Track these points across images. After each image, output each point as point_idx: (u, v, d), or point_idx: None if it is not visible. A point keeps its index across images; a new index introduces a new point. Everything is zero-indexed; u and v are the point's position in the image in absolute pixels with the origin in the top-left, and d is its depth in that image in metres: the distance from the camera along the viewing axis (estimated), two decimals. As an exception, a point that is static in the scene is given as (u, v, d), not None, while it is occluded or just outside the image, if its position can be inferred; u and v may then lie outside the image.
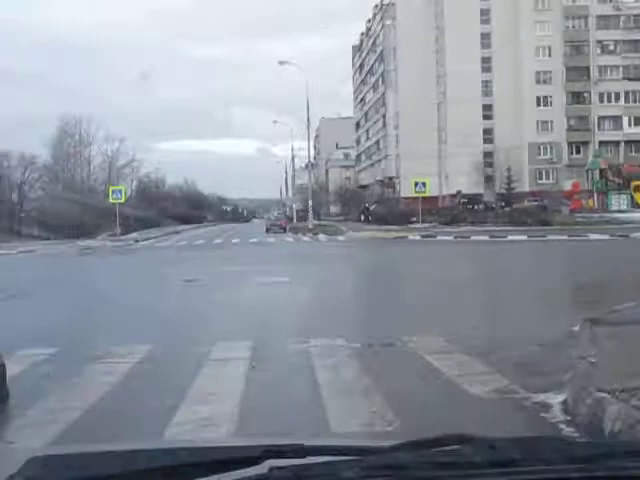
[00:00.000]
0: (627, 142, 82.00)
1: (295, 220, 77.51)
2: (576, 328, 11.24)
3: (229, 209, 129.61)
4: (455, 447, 1.22)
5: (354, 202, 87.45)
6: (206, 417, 6.80)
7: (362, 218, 71.29)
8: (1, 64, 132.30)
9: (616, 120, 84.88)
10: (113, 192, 59.18)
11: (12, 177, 76.56)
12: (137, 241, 52.10)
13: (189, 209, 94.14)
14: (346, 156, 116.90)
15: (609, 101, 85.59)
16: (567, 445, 1.22)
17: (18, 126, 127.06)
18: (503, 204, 72.03)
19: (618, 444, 1.18)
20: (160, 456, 1.30)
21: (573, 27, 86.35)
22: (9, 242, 47.28)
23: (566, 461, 1.15)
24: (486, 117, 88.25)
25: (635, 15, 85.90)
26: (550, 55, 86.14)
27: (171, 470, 1.21)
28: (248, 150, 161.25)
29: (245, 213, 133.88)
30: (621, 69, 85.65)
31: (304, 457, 1.24)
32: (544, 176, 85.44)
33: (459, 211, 65.85)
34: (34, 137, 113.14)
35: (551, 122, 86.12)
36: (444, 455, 1.19)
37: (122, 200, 58.49)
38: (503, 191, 78.83)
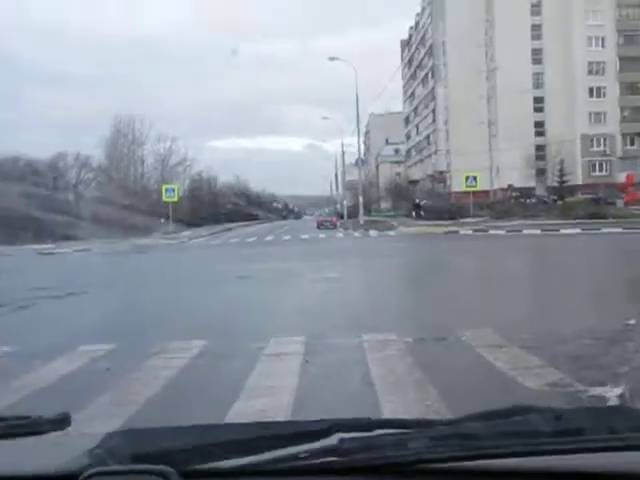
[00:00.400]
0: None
1: (346, 216, 77.24)
2: (632, 321, 11.19)
3: (280, 206, 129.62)
4: (521, 417, 1.25)
5: (405, 197, 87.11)
6: (262, 409, 6.86)
7: (413, 214, 70.89)
8: (55, 67, 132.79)
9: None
10: (166, 190, 59.38)
11: (68, 177, 77.39)
12: (190, 239, 52.15)
13: (241, 207, 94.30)
14: (396, 151, 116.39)
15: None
16: (633, 414, 1.25)
17: (73, 128, 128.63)
18: (556, 197, 71.34)
19: None
20: (230, 430, 1.36)
21: (627, 16, 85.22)
22: (66, 241, 47.69)
23: (632, 429, 1.18)
24: (537, 110, 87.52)
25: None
26: (603, 45, 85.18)
27: (240, 444, 1.24)
28: (298, 147, 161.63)
29: (296, 210, 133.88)
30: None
31: (371, 430, 1.28)
32: (597, 169, 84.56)
33: (511, 205, 65.36)
34: (89, 138, 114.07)
35: (604, 113, 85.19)
36: (511, 425, 1.22)
37: (175, 199, 58.75)
38: (555, 184, 78.12)
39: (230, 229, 65.97)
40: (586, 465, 1.21)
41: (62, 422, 1.40)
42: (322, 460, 1.20)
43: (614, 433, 1.17)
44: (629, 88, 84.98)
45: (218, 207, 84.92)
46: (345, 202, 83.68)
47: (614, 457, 1.21)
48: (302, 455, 1.20)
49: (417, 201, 75.36)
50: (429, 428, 1.27)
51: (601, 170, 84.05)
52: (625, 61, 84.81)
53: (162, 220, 56.70)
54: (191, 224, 62.66)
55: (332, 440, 1.22)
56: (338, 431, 1.26)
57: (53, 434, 1.42)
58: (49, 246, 46.11)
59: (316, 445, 1.22)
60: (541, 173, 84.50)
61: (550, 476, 1.22)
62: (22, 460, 1.65)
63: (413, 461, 1.19)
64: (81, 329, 12.88)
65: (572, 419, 1.23)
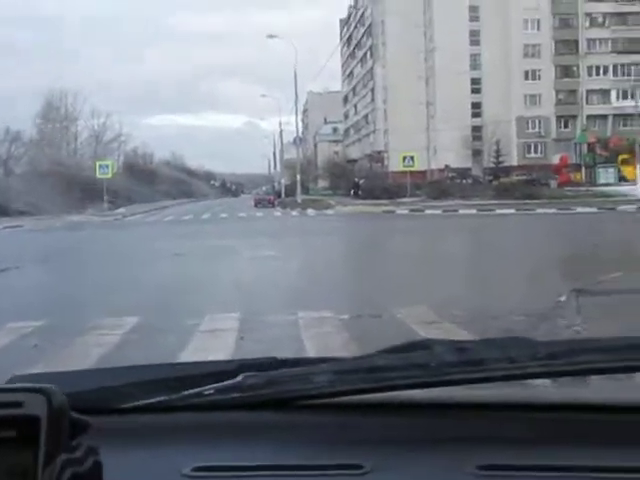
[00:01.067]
0: (615, 116, 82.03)
1: (283, 195, 77.33)
2: (563, 298, 11.37)
3: (217, 184, 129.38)
4: (426, 350, 1.26)
5: (343, 177, 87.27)
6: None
7: (352, 193, 71.23)
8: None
9: (604, 94, 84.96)
10: (100, 167, 59.06)
11: (-2, 152, 76.60)
12: (125, 216, 51.93)
13: (177, 184, 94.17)
14: (334, 130, 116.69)
15: (597, 74, 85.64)
16: (531, 344, 1.26)
17: (2, 101, 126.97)
18: (491, 178, 72.34)
19: (577, 342, 1.22)
20: (142, 371, 1.36)
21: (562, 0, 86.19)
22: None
23: (530, 359, 1.20)
24: (474, 91, 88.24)
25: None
26: (539, 28, 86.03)
27: (151, 383, 1.26)
28: (236, 124, 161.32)
29: (233, 188, 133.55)
30: (610, 42, 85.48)
31: (277, 369, 1.28)
32: (532, 150, 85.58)
33: (447, 185, 65.95)
34: (19, 112, 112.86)
35: (539, 96, 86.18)
36: (417, 357, 1.23)
37: (109, 175, 58.38)
38: (491, 165, 79.25)
39: (166, 207, 65.76)
40: (489, 395, 1.25)
41: None
42: (227, 396, 1.21)
43: (513, 362, 1.19)
44: (564, 71, 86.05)
45: (154, 184, 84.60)
46: (283, 181, 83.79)
47: (514, 385, 1.27)
48: (207, 392, 1.21)
49: (356, 180, 75.68)
50: (335, 363, 1.28)
51: (536, 152, 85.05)
52: (560, 44, 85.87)
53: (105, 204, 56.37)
54: (126, 201, 62.33)
55: (237, 379, 1.23)
56: (244, 371, 1.25)
57: None
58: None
59: (222, 384, 1.23)
60: (477, 154, 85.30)
61: (446, 407, 1.24)
62: None
63: (317, 394, 1.20)
64: (9, 306, 12.72)
65: (474, 350, 1.25)
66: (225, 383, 1.23)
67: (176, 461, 1.07)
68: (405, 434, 1.16)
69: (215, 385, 1.22)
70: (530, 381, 1.29)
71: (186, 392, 1.22)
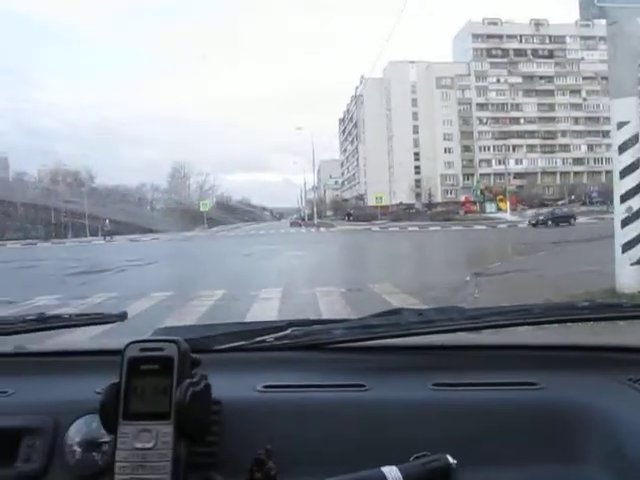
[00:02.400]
0: (495, 174, 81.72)
1: (307, 219, 77.36)
2: (468, 278, 11.37)
3: (268, 213, 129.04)
4: (397, 315, 1.27)
5: (340, 209, 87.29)
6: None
7: (346, 218, 71.20)
8: (141, 131, 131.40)
9: (488, 161, 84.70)
10: (202, 204, 59.45)
11: (146, 197, 77.08)
12: (216, 232, 51.96)
13: (245, 213, 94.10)
14: (336, 182, 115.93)
15: (485, 151, 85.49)
16: (463, 310, 1.26)
17: (149, 168, 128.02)
18: (426, 209, 72.30)
19: (487, 308, 1.23)
20: (226, 326, 1.34)
21: (464, 109, 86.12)
22: (146, 234, 47.26)
23: (464, 318, 1.20)
24: (416, 159, 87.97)
25: (497, 103, 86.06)
26: (451, 125, 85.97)
27: (231, 334, 1.24)
28: (279, 179, 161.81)
29: (277, 216, 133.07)
30: (490, 133, 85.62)
31: (311, 326, 1.28)
32: (449, 193, 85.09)
33: (401, 213, 66.09)
34: (158, 174, 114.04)
35: (453, 162, 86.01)
36: (393, 319, 1.23)
37: (207, 209, 58.72)
38: (426, 201, 79.05)
39: (239, 227, 65.62)
40: (438, 340, 1.23)
41: (122, 316, 1.37)
42: (280, 342, 1.21)
43: (453, 321, 1.19)
44: (465, 149, 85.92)
45: (232, 214, 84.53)
46: (306, 211, 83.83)
47: (453, 336, 1.25)
48: (268, 339, 1.21)
49: (348, 211, 75.67)
50: (345, 322, 1.28)
51: (451, 194, 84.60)
52: (463, 134, 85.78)
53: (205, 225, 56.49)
54: (217, 224, 62.23)
55: (287, 331, 1.24)
56: (291, 326, 1.26)
57: (116, 324, 1.38)
58: (137, 236, 45.77)
59: (277, 334, 1.23)
60: (418, 195, 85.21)
61: (413, 349, 1.23)
62: (96, 340, 1.64)
63: (334, 341, 1.20)
64: (152, 283, 12.78)
65: (428, 314, 1.25)
66: (279, 334, 1.23)
67: (252, 381, 1.08)
68: (389, 365, 1.16)
69: (273, 335, 1.22)
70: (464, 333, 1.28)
71: (255, 339, 1.22)
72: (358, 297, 9.87)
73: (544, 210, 48.60)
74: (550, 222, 40.51)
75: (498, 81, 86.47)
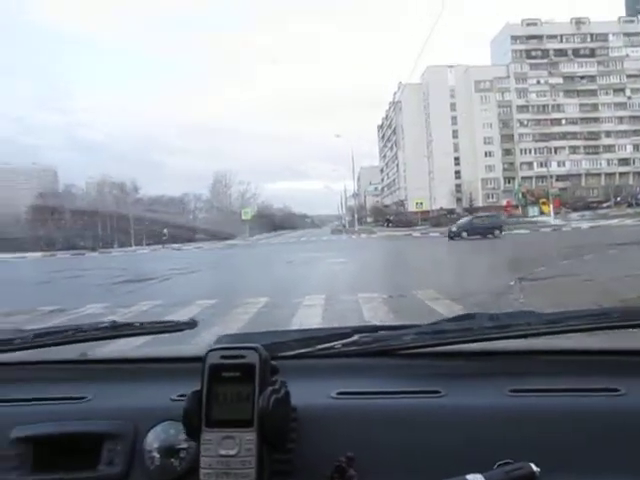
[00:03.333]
0: (536, 177, 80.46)
1: (347, 226, 77.31)
2: (512, 283, 11.17)
3: (309, 221, 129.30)
4: (471, 320, 1.25)
5: (381, 215, 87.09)
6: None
7: (385, 224, 70.94)
8: (179, 144, 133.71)
9: (530, 164, 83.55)
10: (244, 212, 59.90)
11: (189, 206, 78.37)
12: (258, 240, 52.25)
13: (286, 221, 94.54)
14: (375, 189, 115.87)
15: (526, 154, 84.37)
16: (541, 314, 1.22)
17: (191, 179, 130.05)
18: (467, 214, 71.48)
19: (561, 312, 1.19)
20: (294, 333, 1.36)
21: (504, 112, 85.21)
22: (189, 243, 47.90)
23: (540, 323, 1.17)
24: (456, 164, 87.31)
25: (538, 105, 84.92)
26: (491, 128, 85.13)
27: (301, 340, 1.24)
28: (319, 187, 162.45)
29: (318, 223, 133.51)
30: (531, 135, 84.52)
31: (377, 332, 1.26)
32: (490, 197, 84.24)
33: (441, 219, 65.31)
34: (199, 184, 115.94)
35: (494, 166, 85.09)
36: (466, 324, 1.21)
37: (249, 217, 59.14)
38: (467, 206, 78.19)
39: (281, 234, 65.90)
40: (514, 345, 1.21)
41: (191, 324, 1.39)
42: (348, 348, 1.20)
43: (529, 326, 1.16)
44: (506, 152, 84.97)
45: (273, 222, 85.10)
46: (347, 218, 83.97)
47: (529, 341, 1.21)
48: (337, 346, 1.21)
49: (388, 217, 75.43)
50: (414, 328, 1.25)
51: (492, 198, 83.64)
52: (504, 137, 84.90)
53: (246, 233, 57.09)
54: (258, 232, 62.70)
55: (354, 338, 1.22)
56: (357, 333, 1.25)
57: (186, 332, 1.39)
58: (179, 245, 46.45)
59: (345, 340, 1.22)
60: (459, 200, 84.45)
61: (488, 354, 1.21)
62: (167, 347, 1.67)
63: (404, 347, 1.18)
64: (196, 291, 12.91)
65: (502, 318, 1.22)
66: (346, 340, 1.21)
67: (325, 388, 1.07)
68: (463, 371, 1.14)
69: (340, 341, 1.21)
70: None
71: (322, 346, 1.21)
72: (401, 303, 9.77)
73: (465, 220, 41.64)
74: (466, 234, 35.71)
75: (538, 82, 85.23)
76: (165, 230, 49.73)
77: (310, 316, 8.63)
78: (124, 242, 56.29)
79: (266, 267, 20.65)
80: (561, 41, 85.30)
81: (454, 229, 37.79)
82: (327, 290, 11.90)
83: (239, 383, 0.92)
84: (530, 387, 1.03)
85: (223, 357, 0.94)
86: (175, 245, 45.87)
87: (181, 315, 9.00)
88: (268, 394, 0.90)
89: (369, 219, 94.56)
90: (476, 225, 37.26)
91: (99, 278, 19.08)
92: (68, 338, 1.34)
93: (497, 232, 36.09)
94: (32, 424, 1.07)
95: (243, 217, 58.72)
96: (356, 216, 75.06)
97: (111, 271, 21.49)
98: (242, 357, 0.94)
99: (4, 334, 1.39)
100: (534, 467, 0.86)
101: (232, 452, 0.90)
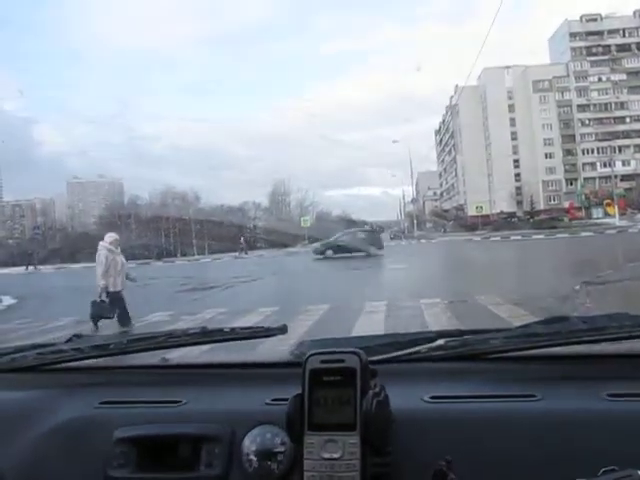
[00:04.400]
0: (600, 177, 77.93)
1: (406, 232, 76.80)
2: (577, 287, 10.87)
3: (368, 227, 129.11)
4: (562, 323, 1.22)
5: (439, 220, 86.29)
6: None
7: (441, 230, 70.24)
8: (242, 153, 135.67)
9: (592, 165, 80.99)
10: (303, 220, 60.37)
11: (247, 214, 79.58)
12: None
13: (345, 227, 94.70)
14: (434, 193, 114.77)
15: (587, 154, 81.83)
16: (636, 317, 1.18)
17: (249, 186, 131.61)
18: (529, 217, 69.99)
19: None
20: (380, 338, 1.35)
21: (564, 112, 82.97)
22: (250, 250, 48.56)
23: (637, 325, 1.14)
24: (515, 167, 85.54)
25: (600, 103, 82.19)
26: (551, 129, 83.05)
27: (389, 344, 1.25)
28: (377, 193, 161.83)
29: (378, 229, 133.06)
30: (593, 135, 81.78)
31: (462, 337, 1.25)
32: (552, 199, 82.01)
33: (502, 223, 64.32)
34: (260, 192, 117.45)
35: (554, 168, 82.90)
36: (557, 327, 1.18)
37: (308, 224, 59.53)
38: (528, 209, 76.48)
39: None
40: (607, 349, 1.19)
41: (283, 329, 1.41)
42: (435, 353, 1.20)
43: (624, 328, 1.13)
44: (567, 153, 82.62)
45: (331, 229, 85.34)
46: (406, 224, 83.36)
47: (625, 344, 1.19)
48: (423, 350, 1.21)
49: (444, 224, 74.75)
50: (502, 331, 1.24)
51: (554, 200, 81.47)
52: (564, 137, 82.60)
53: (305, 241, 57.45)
54: (317, 239, 63.07)
55: (439, 342, 1.22)
56: (442, 337, 1.25)
57: (277, 337, 1.43)
58: (236, 254, 47.14)
59: (430, 345, 1.22)
60: (520, 203, 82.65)
61: (583, 357, 1.20)
62: (259, 352, 1.71)
63: (493, 351, 1.17)
64: (258, 299, 13.07)
65: (595, 321, 1.20)
66: (432, 344, 1.21)
67: (417, 392, 1.09)
68: (558, 375, 1.13)
69: (426, 345, 1.21)
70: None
71: (409, 350, 1.21)
72: (464, 308, 9.66)
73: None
74: (331, 252, 32.46)
75: (600, 80, 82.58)
76: (242, 238, 50.53)
77: (372, 323, 8.62)
78: (187, 251, 57.58)
79: (326, 274, 20.71)
80: (623, 35, 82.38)
81: (319, 247, 34.70)
82: (388, 296, 11.86)
83: (340, 387, 0.93)
84: (629, 391, 1.01)
85: (323, 361, 0.95)
86: (235, 254, 46.55)
87: (243, 323, 9.15)
88: (370, 397, 0.90)
89: (428, 224, 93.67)
90: (343, 242, 33.62)
91: (164, 287, 19.56)
92: (161, 344, 1.41)
93: (373, 249, 30.89)
94: (133, 425, 1.13)
95: (302, 224, 59.08)
96: (415, 221, 74.47)
97: (175, 280, 21.99)
98: (342, 361, 0.94)
99: (99, 339, 1.47)
100: None
101: (336, 455, 0.90)
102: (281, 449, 1.02)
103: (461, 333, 1.30)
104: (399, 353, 1.23)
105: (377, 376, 0.97)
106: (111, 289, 9.56)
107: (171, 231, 61.10)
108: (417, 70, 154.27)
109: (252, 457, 1.03)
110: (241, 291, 16.76)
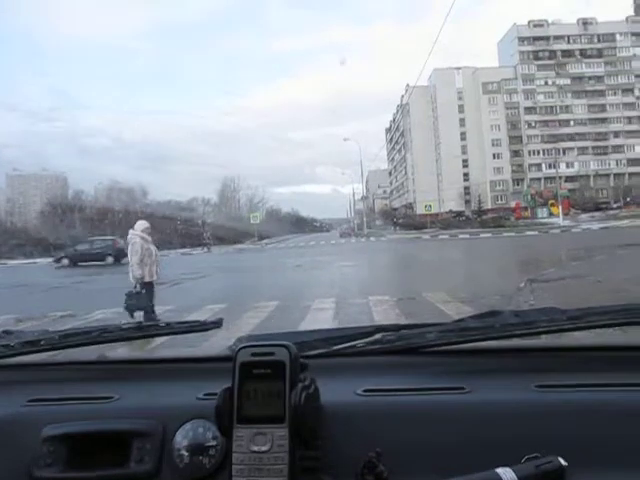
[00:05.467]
0: (545, 178, 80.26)
1: (356, 229, 77.29)
2: (522, 285, 11.14)
3: (317, 224, 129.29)
4: (495, 317, 1.23)
5: (389, 218, 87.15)
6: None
7: (393, 228, 70.98)
8: (191, 149, 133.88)
9: (538, 166, 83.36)
10: (252, 217, 59.99)
11: (197, 211, 78.73)
12: (267, 244, 52.27)
13: (294, 225, 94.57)
14: (384, 192, 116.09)
15: (534, 155, 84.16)
16: (557, 311, 1.21)
17: (197, 182, 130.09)
18: (477, 216, 71.33)
19: (601, 307, 1.20)
20: (317, 333, 1.35)
21: (511, 113, 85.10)
22: (197, 248, 47.96)
23: (565, 319, 1.17)
24: (464, 166, 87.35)
25: (546, 106, 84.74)
26: (499, 130, 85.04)
27: (325, 339, 1.26)
28: (327, 191, 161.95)
29: (327, 227, 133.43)
30: (539, 137, 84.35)
31: (399, 331, 1.25)
32: (499, 199, 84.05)
33: (450, 221, 65.23)
34: (209, 189, 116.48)
35: (502, 168, 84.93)
36: (491, 321, 1.21)
37: (258, 221, 59.22)
38: (476, 208, 78.07)
39: (288, 238, 65.77)
40: (536, 343, 1.23)
41: (218, 323, 1.40)
42: (372, 347, 1.21)
43: (553, 322, 1.16)
44: (514, 153, 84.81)
45: (281, 225, 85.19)
46: (356, 221, 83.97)
47: (554, 337, 1.23)
48: (360, 344, 1.21)
49: (395, 220, 75.50)
50: (438, 326, 1.26)
51: (501, 200, 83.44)
52: (512, 138, 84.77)
53: (255, 238, 57.06)
54: (267, 236, 62.69)
55: (376, 336, 1.23)
56: (379, 331, 1.26)
57: (212, 331, 1.41)
58: (188, 250, 46.55)
59: (368, 339, 1.23)
60: (468, 202, 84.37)
61: (513, 351, 1.23)
62: (194, 347, 1.68)
63: (428, 345, 1.19)
64: (206, 296, 12.94)
65: (526, 315, 1.22)
66: (370, 339, 1.22)
67: (351, 385, 1.09)
68: (488, 368, 1.15)
69: (364, 340, 1.22)
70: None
71: (347, 344, 1.22)
72: (412, 306, 9.77)
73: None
74: (66, 260, 33.08)
75: (546, 83, 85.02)
76: (208, 234, 49.82)
77: (320, 320, 8.64)
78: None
79: (275, 271, 20.63)
80: (568, 42, 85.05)
81: (61, 256, 34.78)
82: (337, 294, 11.91)
83: (270, 380, 0.93)
84: (556, 383, 1.04)
85: (254, 354, 0.95)
86: (182, 250, 45.96)
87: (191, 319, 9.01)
88: (299, 390, 0.91)
89: (378, 222, 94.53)
90: (82, 251, 33.88)
91: (110, 283, 19.15)
92: (94, 339, 1.36)
93: (110, 259, 31.96)
94: (62, 423, 1.09)
95: (252, 221, 58.76)
96: (365, 219, 75.05)
97: (121, 276, 21.54)
98: (272, 354, 0.94)
99: (30, 335, 1.42)
100: (562, 461, 0.86)
101: (264, 448, 0.90)
102: (213, 443, 1.01)
103: (398, 328, 1.30)
104: (336, 347, 1.23)
105: (308, 369, 0.97)
106: (147, 279, 9.32)
107: (117, 227, 59.86)
108: (341, 64, 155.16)
109: (183, 452, 1.02)
110: (189, 288, 16.56)
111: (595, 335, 1.30)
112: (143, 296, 9.25)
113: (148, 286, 9.35)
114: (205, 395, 1.08)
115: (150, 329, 1.42)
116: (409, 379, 1.12)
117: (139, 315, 9.00)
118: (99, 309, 11.30)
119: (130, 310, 9.20)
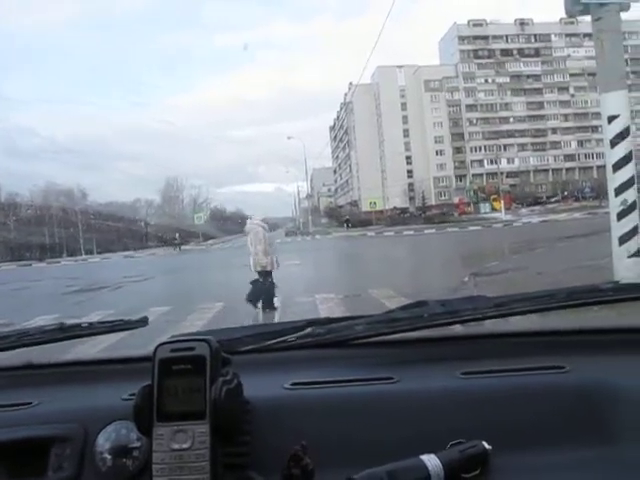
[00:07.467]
0: (487, 174, 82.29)
1: (302, 228, 77.33)
2: (466, 279, 11.36)
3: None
4: (422, 307, 1.25)
5: (334, 216, 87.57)
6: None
7: (345, 225, 71.43)
8: (131, 149, 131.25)
9: (480, 162, 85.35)
10: (197, 217, 59.46)
11: (140, 212, 77.24)
12: (211, 245, 51.85)
13: (239, 225, 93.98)
14: (329, 190, 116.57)
15: (476, 151, 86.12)
16: (490, 299, 1.24)
17: (139, 182, 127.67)
18: (421, 212, 72.48)
19: (524, 294, 1.22)
20: (248, 329, 1.36)
21: (453, 111, 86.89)
22: (141, 250, 47.22)
23: (489, 307, 1.20)
24: (408, 163, 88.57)
25: (486, 104, 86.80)
26: (442, 127, 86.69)
27: (256, 335, 1.24)
28: (271, 189, 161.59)
29: (272, 225, 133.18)
30: (481, 134, 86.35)
31: (330, 324, 1.26)
32: (442, 195, 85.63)
33: (395, 218, 66.12)
34: (152, 188, 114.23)
35: (445, 164, 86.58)
36: (418, 311, 1.22)
37: (202, 222, 58.68)
38: (420, 205, 79.31)
39: (234, 239, 65.32)
40: (462, 330, 1.27)
41: (144, 321, 1.38)
42: (302, 340, 1.21)
43: (478, 310, 1.19)
44: (457, 150, 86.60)
45: (226, 226, 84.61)
46: (301, 220, 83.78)
47: (480, 325, 1.26)
48: (291, 339, 1.21)
49: (346, 217, 75.90)
50: (366, 317, 1.26)
51: (444, 196, 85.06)
52: (454, 135, 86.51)
53: (200, 238, 56.36)
54: (211, 236, 62.14)
55: (307, 330, 1.23)
56: (310, 325, 1.25)
57: (138, 330, 1.39)
58: (132, 252, 45.69)
59: (299, 333, 1.22)
60: (412, 199, 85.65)
61: (440, 340, 1.24)
62: (116, 348, 1.62)
63: (357, 337, 1.19)
64: (150, 299, 12.73)
65: (452, 304, 1.23)
66: (301, 333, 1.22)
67: (279, 380, 1.08)
68: (416, 357, 1.16)
69: (295, 334, 1.22)
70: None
71: (277, 339, 1.21)
72: (357, 303, 9.85)
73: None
74: None
75: (486, 82, 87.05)
76: (177, 234, 48.94)
77: (264, 319, 8.71)
78: (74, 251, 55.04)
79: (221, 272, 20.41)
80: (507, 41, 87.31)
81: None
82: (283, 292, 11.87)
83: (190, 376, 0.91)
84: (480, 369, 1.06)
85: (173, 350, 0.93)
86: (126, 253, 45.08)
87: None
88: (220, 385, 0.89)
89: (323, 220, 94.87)
90: None
91: (48, 288, 18.62)
92: (13, 343, 1.30)
93: None
94: None
95: (196, 222, 58.11)
96: (310, 217, 75.19)
97: (61, 281, 20.98)
98: (192, 349, 0.92)
99: None
100: (486, 445, 0.89)
101: (185, 445, 0.88)
102: (137, 444, 0.98)
103: (329, 321, 1.30)
104: (264, 343, 1.22)
105: (231, 363, 0.96)
106: (269, 268, 9.41)
107: (55, 230, 58.10)
108: (244, 50, 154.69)
109: (106, 455, 0.99)
110: (132, 291, 16.27)
111: (519, 321, 1.32)
112: (270, 285, 9.61)
113: (269, 275, 9.66)
114: (130, 396, 1.03)
115: (73, 330, 1.36)
116: (338, 371, 1.12)
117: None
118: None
119: (254, 300, 9.49)
